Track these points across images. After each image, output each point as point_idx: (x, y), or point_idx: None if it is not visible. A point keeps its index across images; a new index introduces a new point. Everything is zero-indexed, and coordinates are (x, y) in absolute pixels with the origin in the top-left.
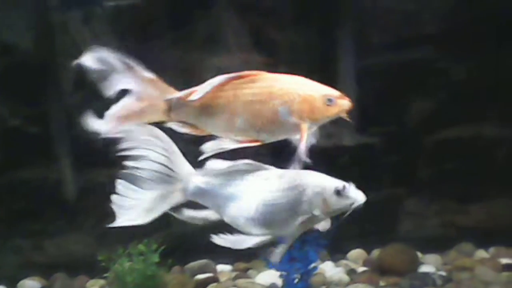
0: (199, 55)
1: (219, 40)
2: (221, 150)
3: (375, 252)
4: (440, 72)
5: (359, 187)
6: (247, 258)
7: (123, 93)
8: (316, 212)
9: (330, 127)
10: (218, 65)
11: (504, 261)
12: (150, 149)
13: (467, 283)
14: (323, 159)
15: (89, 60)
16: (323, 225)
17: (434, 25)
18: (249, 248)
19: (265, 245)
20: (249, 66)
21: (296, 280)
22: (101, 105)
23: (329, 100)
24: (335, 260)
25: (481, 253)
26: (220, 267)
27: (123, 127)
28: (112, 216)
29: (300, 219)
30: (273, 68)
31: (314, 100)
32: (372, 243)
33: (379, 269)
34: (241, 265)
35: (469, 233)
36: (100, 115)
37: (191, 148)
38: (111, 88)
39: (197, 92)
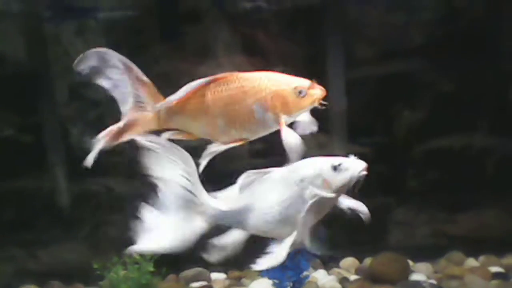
0: (190, 66)
1: (210, 50)
2: (212, 155)
3: (367, 261)
4: (430, 83)
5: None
6: (241, 266)
7: (118, 95)
8: (323, 193)
9: (321, 137)
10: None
11: (494, 269)
12: (174, 171)
13: None
14: None
15: (91, 56)
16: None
17: (423, 36)
18: (242, 256)
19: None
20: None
21: None
22: (95, 115)
23: (300, 92)
24: (327, 268)
25: (471, 262)
26: (214, 275)
27: (119, 141)
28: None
29: (308, 204)
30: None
31: (286, 94)
32: (364, 252)
33: (371, 277)
34: (235, 273)
35: (459, 242)
36: (94, 125)
37: None
38: (109, 86)
39: (174, 96)
